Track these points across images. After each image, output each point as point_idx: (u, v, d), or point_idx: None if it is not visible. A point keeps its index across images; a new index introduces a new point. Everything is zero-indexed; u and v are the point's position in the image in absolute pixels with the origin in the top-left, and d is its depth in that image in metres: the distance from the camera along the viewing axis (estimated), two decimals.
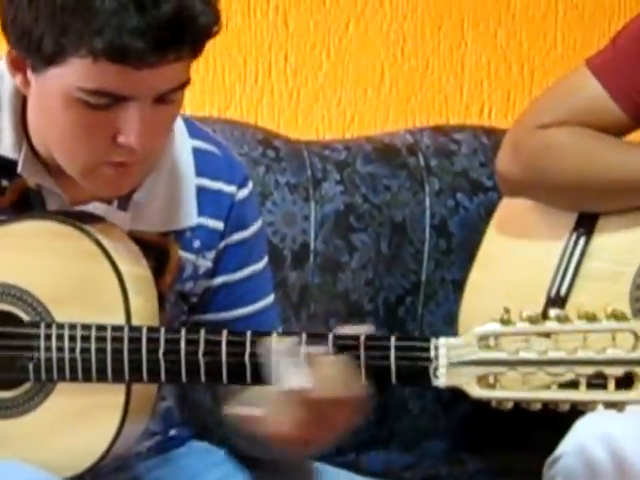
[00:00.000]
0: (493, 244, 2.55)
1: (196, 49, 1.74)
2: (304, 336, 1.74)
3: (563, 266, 2.41)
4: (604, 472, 2.02)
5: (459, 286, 2.67)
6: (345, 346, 1.74)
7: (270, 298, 2.07)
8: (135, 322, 1.81)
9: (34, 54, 1.74)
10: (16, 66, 1.79)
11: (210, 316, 2.00)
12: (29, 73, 1.78)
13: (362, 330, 1.77)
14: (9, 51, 1.78)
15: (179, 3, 1.69)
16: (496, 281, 2.51)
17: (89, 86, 1.72)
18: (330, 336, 1.74)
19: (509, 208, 2.54)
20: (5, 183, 1.88)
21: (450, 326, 2.66)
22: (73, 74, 1.72)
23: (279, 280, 2.48)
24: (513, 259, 2.51)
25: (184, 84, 1.77)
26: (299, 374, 1.72)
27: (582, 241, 2.41)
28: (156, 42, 1.69)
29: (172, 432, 2.07)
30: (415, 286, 2.69)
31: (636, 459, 2.02)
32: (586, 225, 2.41)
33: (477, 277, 2.55)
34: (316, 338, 1.75)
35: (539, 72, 2.98)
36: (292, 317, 2.53)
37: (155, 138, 1.82)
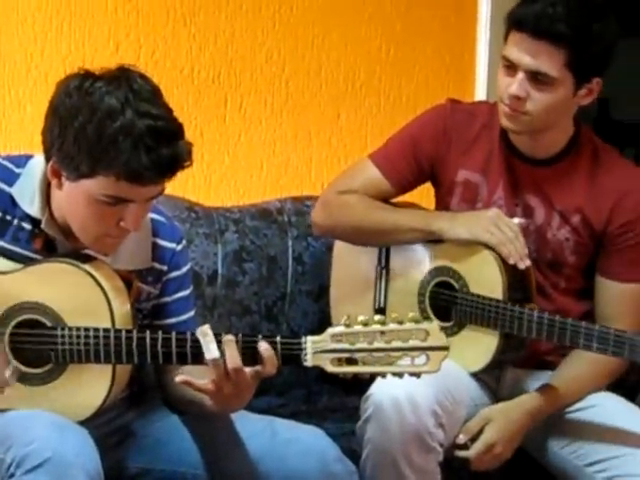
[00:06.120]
0: (338, 273, 2.55)
1: (175, 175, 1.76)
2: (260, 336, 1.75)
3: (378, 288, 2.40)
4: (401, 403, 2.01)
5: (310, 295, 2.70)
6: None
7: (192, 313, 2.04)
8: (118, 325, 1.80)
9: (72, 171, 1.74)
10: (55, 174, 1.79)
11: (157, 322, 1.98)
12: (63, 179, 1.77)
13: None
14: (52, 164, 1.77)
15: (173, 151, 1.72)
16: (344, 297, 2.52)
17: (110, 193, 1.74)
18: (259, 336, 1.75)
19: (340, 250, 2.53)
20: (36, 232, 1.85)
21: (305, 319, 2.69)
22: (99, 185, 1.73)
23: (199, 293, 2.47)
24: (349, 283, 2.50)
25: (163, 190, 1.80)
26: (211, 349, 1.72)
27: (384, 271, 2.39)
28: (157, 172, 1.72)
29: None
30: (283, 295, 2.67)
31: (421, 397, 2.02)
32: (384, 257, 2.40)
33: (334, 293, 2.56)
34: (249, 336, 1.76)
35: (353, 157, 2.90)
36: (208, 316, 2.50)
37: (142, 222, 1.84)
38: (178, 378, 1.77)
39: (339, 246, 2.53)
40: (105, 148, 1.70)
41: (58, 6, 2.56)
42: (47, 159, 1.80)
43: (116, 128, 1.69)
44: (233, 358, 1.72)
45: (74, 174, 1.75)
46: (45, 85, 2.52)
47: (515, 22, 2.10)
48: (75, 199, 1.78)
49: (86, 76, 1.76)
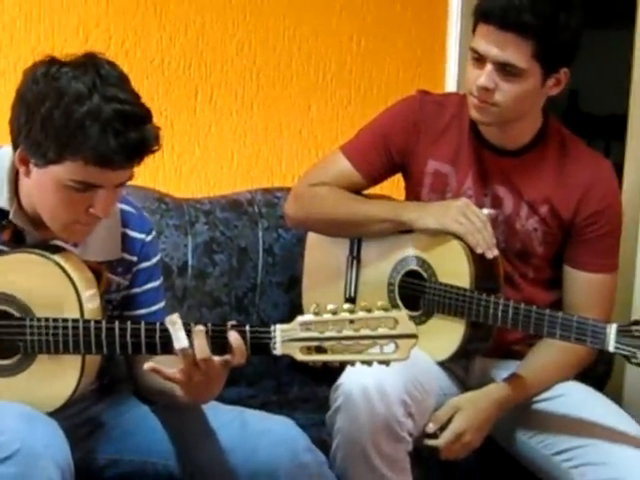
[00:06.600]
0: (310, 264, 2.55)
1: (143, 159, 1.75)
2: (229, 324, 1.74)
3: (349, 278, 2.41)
4: (370, 393, 2.02)
5: (281, 286, 2.70)
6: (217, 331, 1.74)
7: (162, 304, 2.04)
8: (87, 316, 1.79)
9: (39, 158, 1.73)
10: (23, 162, 1.77)
11: (127, 312, 1.98)
12: (31, 166, 1.76)
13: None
14: (20, 151, 1.76)
15: (141, 134, 1.71)
16: (315, 287, 2.53)
17: (78, 179, 1.73)
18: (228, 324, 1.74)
19: (312, 241, 2.53)
20: (5, 223, 1.84)
21: (275, 311, 2.68)
22: (67, 171, 1.72)
23: (170, 284, 2.47)
24: (321, 272, 2.50)
25: (132, 176, 1.79)
26: (180, 338, 1.72)
27: (355, 260, 2.39)
28: (126, 156, 1.71)
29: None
30: (254, 286, 2.67)
31: (390, 386, 2.03)
32: (355, 247, 2.40)
33: (306, 283, 2.56)
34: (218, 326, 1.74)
35: (324, 150, 2.97)
36: (178, 307, 2.48)
37: (112, 209, 1.83)
38: (146, 365, 1.77)
39: (312, 236, 2.53)
40: (72, 133, 1.69)
41: None
42: (15, 147, 1.79)
43: (83, 113, 1.69)
44: (201, 348, 1.72)
45: (42, 160, 1.74)
46: (14, 75, 2.50)
47: (482, 14, 2.11)
48: (44, 186, 1.77)
49: (52, 62, 1.75)
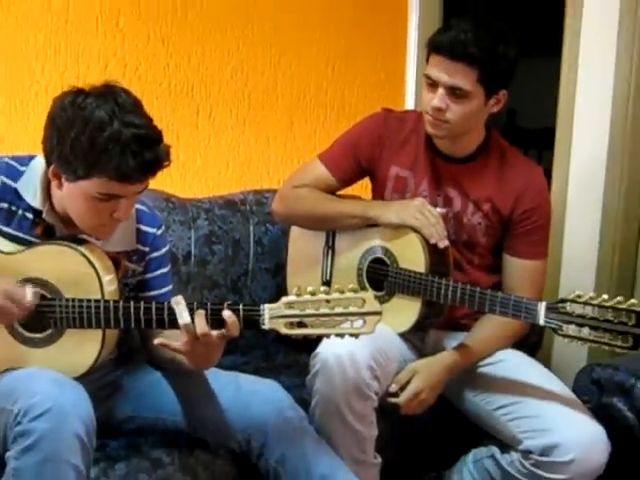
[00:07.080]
0: (293, 253, 2.54)
1: (157, 173, 1.75)
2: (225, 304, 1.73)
3: (325, 264, 2.40)
4: (343, 359, 2.02)
5: (269, 271, 2.69)
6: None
7: (170, 287, 2.04)
8: (106, 297, 1.79)
9: (70, 174, 1.73)
10: (55, 176, 1.77)
11: (141, 294, 1.98)
12: (63, 180, 1.76)
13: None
14: (53, 168, 1.76)
15: (155, 154, 1.71)
16: (297, 272, 2.52)
17: (103, 192, 1.73)
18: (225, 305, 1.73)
19: (295, 233, 2.52)
20: (38, 220, 1.84)
21: (264, 292, 2.68)
22: (93, 185, 1.72)
23: (176, 270, 2.45)
24: (302, 260, 2.49)
25: (147, 185, 1.78)
26: (183, 316, 1.72)
27: (330, 250, 2.39)
28: (143, 173, 1.71)
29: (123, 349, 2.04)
30: (246, 272, 2.66)
31: (359, 354, 2.03)
32: (331, 240, 2.40)
33: (290, 269, 2.55)
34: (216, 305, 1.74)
35: (304, 158, 2.94)
36: (183, 290, 2.48)
37: (131, 212, 1.84)
38: (156, 341, 1.78)
39: (294, 230, 2.52)
40: (98, 154, 1.69)
41: (56, 28, 2.53)
42: (48, 164, 1.79)
43: (106, 137, 1.68)
44: (201, 325, 1.73)
45: (72, 176, 1.74)
46: (45, 97, 2.49)
47: (434, 47, 2.10)
48: (74, 197, 1.77)
49: (78, 93, 1.74)
